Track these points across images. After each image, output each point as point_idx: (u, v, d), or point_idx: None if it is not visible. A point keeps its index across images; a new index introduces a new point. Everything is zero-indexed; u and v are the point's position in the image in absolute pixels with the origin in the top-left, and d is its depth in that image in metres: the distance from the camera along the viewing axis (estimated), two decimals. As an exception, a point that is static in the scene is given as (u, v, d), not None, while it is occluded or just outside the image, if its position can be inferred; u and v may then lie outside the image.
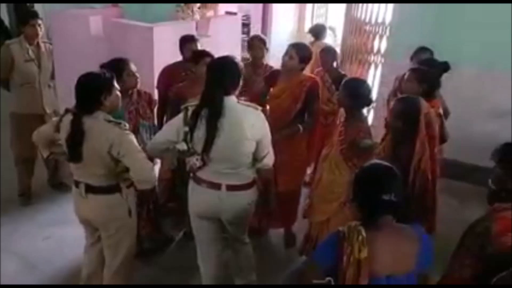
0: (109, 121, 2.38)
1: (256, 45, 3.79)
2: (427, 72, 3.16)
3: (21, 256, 3.40)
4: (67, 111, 2.46)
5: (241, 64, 2.52)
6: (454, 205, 3.44)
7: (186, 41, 3.70)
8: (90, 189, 2.47)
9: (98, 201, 2.49)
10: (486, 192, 2.02)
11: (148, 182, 2.44)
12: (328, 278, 1.74)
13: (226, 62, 2.46)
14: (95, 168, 2.41)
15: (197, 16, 5.09)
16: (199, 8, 5.31)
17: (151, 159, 2.50)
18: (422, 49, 3.90)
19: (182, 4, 4.99)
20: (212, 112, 2.37)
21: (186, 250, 3.39)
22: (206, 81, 2.44)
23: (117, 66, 2.91)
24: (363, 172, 1.90)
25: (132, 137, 2.44)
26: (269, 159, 2.59)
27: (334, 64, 4.38)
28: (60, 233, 3.66)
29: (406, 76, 3.20)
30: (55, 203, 4.06)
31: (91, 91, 2.38)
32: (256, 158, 2.56)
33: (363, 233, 1.69)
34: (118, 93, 2.51)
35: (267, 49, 3.84)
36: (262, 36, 4.04)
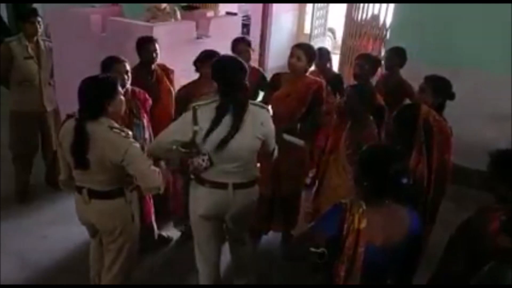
0: (112, 128, 2.33)
1: (242, 48, 3.74)
2: (442, 80, 2.92)
3: (17, 255, 3.38)
4: (68, 116, 2.42)
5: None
6: (452, 208, 3.44)
7: (145, 43, 3.55)
8: (93, 194, 2.43)
9: (102, 206, 2.44)
10: (484, 196, 2.03)
11: (156, 188, 2.40)
12: (322, 249, 1.86)
13: (239, 61, 2.51)
14: (99, 174, 2.37)
15: (167, 17, 4.80)
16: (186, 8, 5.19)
17: (156, 163, 2.47)
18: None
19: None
20: (238, 110, 2.40)
21: (183, 250, 3.39)
22: (226, 80, 2.44)
23: (104, 65, 2.90)
24: (369, 153, 1.96)
25: (137, 145, 2.39)
26: (276, 152, 2.72)
27: (328, 64, 4.46)
28: (58, 231, 3.64)
29: (420, 86, 2.99)
30: (52, 201, 4.03)
31: (94, 96, 2.33)
32: (265, 154, 2.64)
33: (364, 206, 1.86)
34: (122, 98, 2.46)
35: (252, 50, 3.83)
36: (247, 38, 4.03)
